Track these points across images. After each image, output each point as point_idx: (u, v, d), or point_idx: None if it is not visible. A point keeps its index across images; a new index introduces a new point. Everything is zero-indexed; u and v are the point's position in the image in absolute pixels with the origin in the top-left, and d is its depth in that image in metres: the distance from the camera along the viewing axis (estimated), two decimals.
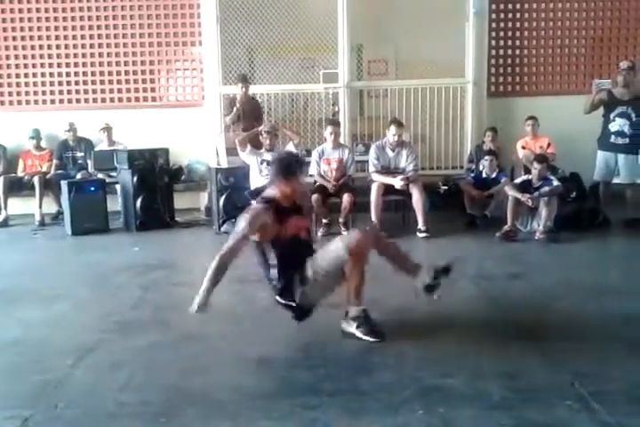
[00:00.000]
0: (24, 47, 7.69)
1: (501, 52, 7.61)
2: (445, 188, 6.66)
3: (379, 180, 5.68)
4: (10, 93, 7.76)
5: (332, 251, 3.00)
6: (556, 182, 5.45)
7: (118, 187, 6.60)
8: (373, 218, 5.56)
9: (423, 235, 5.49)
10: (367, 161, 6.04)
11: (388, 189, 5.63)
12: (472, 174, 6.42)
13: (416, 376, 2.58)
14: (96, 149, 7.16)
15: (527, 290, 3.95)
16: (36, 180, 6.82)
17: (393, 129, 5.76)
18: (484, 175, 6.09)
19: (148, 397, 2.47)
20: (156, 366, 2.81)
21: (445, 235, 5.58)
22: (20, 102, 7.78)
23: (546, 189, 5.38)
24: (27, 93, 7.77)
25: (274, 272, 3.06)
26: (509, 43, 7.61)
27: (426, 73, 7.34)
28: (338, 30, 7.12)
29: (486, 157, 6.11)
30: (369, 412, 2.29)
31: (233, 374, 2.72)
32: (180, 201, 6.90)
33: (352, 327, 3.02)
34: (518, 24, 7.59)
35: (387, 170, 5.77)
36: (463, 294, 3.82)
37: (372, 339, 2.96)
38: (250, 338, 3.12)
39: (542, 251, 5.11)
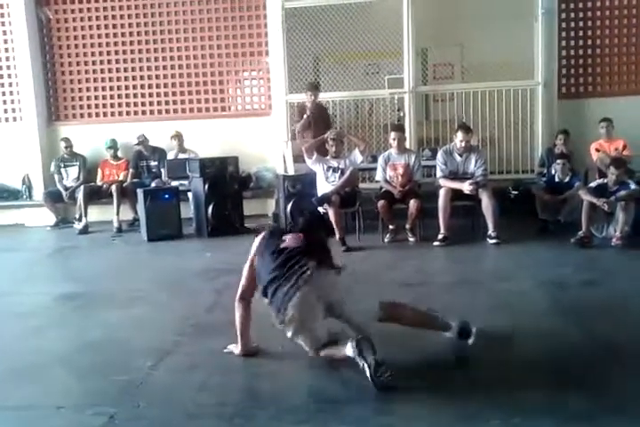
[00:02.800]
0: (101, 62, 8.11)
1: (572, 52, 7.41)
2: (516, 192, 6.52)
3: (447, 185, 5.62)
4: (88, 106, 8.21)
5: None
6: (633, 186, 5.22)
7: (190, 194, 6.82)
8: (441, 224, 5.50)
9: (494, 241, 5.38)
10: (434, 166, 6.00)
11: (456, 195, 5.55)
12: (544, 178, 6.26)
13: (491, 385, 2.54)
14: (168, 156, 7.44)
15: (604, 298, 3.79)
16: (113, 188, 7.16)
17: (460, 135, 5.69)
18: (556, 179, 5.92)
19: (224, 398, 2.54)
20: (230, 369, 2.88)
21: (517, 241, 5.44)
22: (97, 115, 8.20)
23: (623, 192, 5.17)
24: (103, 106, 8.19)
25: None
26: (580, 42, 7.39)
27: (493, 75, 7.22)
28: (403, 35, 7.13)
29: (558, 161, 5.94)
30: (442, 419, 2.28)
31: (305, 378, 2.76)
32: (249, 208, 7.05)
33: None
34: (589, 23, 7.37)
35: (455, 175, 5.70)
36: (536, 302, 3.73)
37: None
38: None
39: (619, 257, 4.92)
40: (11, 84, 8.21)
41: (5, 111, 8.27)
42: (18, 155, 8.04)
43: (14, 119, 8.25)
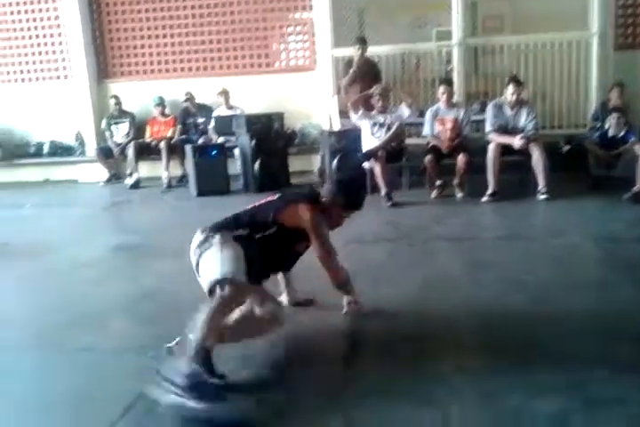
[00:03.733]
0: (147, 19, 8.12)
1: None
2: (568, 147, 6.35)
3: (496, 139, 5.51)
4: (136, 64, 8.29)
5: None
6: None
7: (237, 151, 6.89)
8: (490, 179, 5.42)
9: (544, 197, 5.28)
10: (483, 120, 5.87)
11: (505, 150, 5.44)
12: (597, 133, 6.04)
13: (545, 338, 2.56)
14: (214, 113, 7.49)
15: None
16: (162, 145, 7.29)
17: (511, 88, 5.53)
18: (610, 134, 5.72)
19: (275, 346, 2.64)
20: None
21: (568, 197, 5.34)
22: (145, 72, 8.27)
23: None
24: (151, 63, 8.25)
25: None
26: None
27: (545, 27, 6.92)
28: None
29: (613, 115, 5.72)
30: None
31: (348, 321, 2.81)
32: (294, 164, 7.08)
33: None
34: None
35: (505, 129, 5.57)
36: (587, 257, 3.70)
37: None
38: (364, 294, 3.18)
39: None
40: (60, 43, 8.34)
41: (57, 69, 8.43)
42: (70, 112, 8.24)
43: (65, 77, 8.41)
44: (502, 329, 2.65)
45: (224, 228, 2.61)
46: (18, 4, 8.29)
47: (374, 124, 5.89)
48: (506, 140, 5.46)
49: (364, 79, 6.62)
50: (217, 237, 2.53)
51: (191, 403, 1.94)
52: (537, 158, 5.35)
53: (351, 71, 6.70)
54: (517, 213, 5.07)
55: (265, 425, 2.01)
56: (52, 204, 6.83)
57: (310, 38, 7.89)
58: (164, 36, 8.13)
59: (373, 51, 7.23)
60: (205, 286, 2.44)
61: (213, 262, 2.46)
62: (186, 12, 8.02)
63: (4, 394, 2.31)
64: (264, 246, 2.58)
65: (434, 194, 5.71)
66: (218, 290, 2.34)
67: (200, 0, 7.95)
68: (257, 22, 7.96)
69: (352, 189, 2.86)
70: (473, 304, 2.96)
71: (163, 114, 7.78)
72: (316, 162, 7.32)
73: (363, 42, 6.77)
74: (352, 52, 6.87)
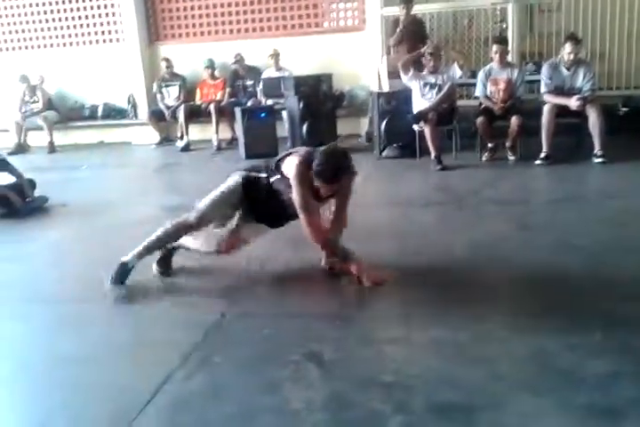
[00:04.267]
0: None
1: None
2: (626, 109, 6.11)
3: (551, 101, 5.32)
4: (186, 26, 8.30)
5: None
6: None
7: (285, 113, 6.88)
8: (544, 142, 5.28)
9: (600, 160, 5.11)
10: (538, 81, 5.67)
11: (561, 111, 5.25)
12: None
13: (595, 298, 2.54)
14: (263, 75, 7.47)
15: None
16: (211, 107, 7.35)
17: (568, 46, 5.30)
18: None
19: (324, 303, 2.70)
20: (332, 278, 2.98)
21: (625, 160, 5.14)
22: (194, 34, 8.30)
23: None
24: (201, 25, 8.25)
25: None
26: None
27: None
28: None
29: None
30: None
31: (402, 286, 2.82)
32: (342, 127, 7.04)
33: None
34: None
35: (560, 90, 5.36)
36: None
37: None
38: (414, 257, 3.19)
39: None
40: (112, 6, 8.40)
41: (109, 33, 8.54)
42: (122, 75, 8.37)
43: (117, 40, 8.52)
44: (554, 291, 2.63)
45: (251, 169, 3.03)
46: None
47: (425, 85, 5.77)
48: (562, 101, 5.27)
49: (411, 39, 6.48)
50: (230, 176, 3.08)
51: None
52: (594, 120, 5.16)
53: (397, 31, 6.56)
54: (572, 176, 4.94)
55: None
56: (107, 165, 7.04)
57: None
58: None
59: (424, 8, 7.04)
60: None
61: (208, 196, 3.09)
62: None
63: (77, 341, 2.45)
64: (272, 191, 2.90)
65: (485, 157, 5.60)
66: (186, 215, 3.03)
67: None
68: None
69: (326, 158, 2.68)
70: (525, 266, 2.94)
71: (212, 76, 7.81)
72: (364, 125, 7.26)
73: (407, 0, 6.58)
74: (398, 11, 6.70)
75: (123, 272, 2.98)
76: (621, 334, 2.19)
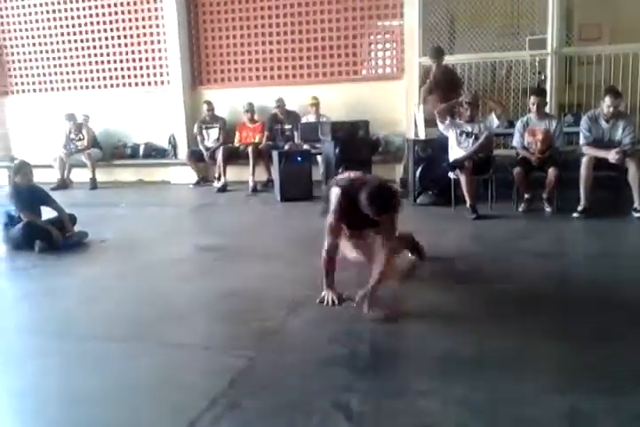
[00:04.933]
0: (241, 27, 8.44)
1: None
2: None
3: (590, 153, 5.28)
4: (228, 71, 8.61)
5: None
6: None
7: (320, 157, 6.98)
8: (582, 194, 5.22)
9: (639, 215, 5.04)
10: (576, 133, 5.66)
11: (600, 164, 5.20)
12: None
13: None
14: (302, 121, 7.62)
15: None
16: (249, 150, 7.50)
17: (608, 99, 5.28)
18: None
19: (355, 350, 2.65)
20: (361, 322, 2.97)
21: None
22: (236, 79, 8.58)
23: None
24: (242, 71, 8.54)
25: None
26: None
27: None
28: None
29: None
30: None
31: (435, 339, 2.78)
32: (377, 172, 7.05)
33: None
34: None
35: (600, 143, 5.33)
36: None
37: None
38: (448, 307, 3.16)
39: None
40: (160, 50, 8.77)
41: (155, 75, 8.88)
42: (165, 116, 8.66)
43: (162, 83, 8.84)
44: (596, 349, 2.56)
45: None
46: (123, 12, 8.81)
47: (461, 134, 5.81)
48: (601, 153, 5.23)
49: (443, 88, 6.53)
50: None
51: None
52: (633, 174, 5.09)
53: (428, 81, 6.65)
54: (610, 230, 4.85)
55: None
56: (145, 203, 7.19)
57: (399, 46, 7.90)
58: (256, 44, 8.39)
59: (464, 58, 7.16)
60: None
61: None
62: (278, 21, 8.24)
63: (99, 380, 2.46)
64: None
65: (521, 208, 5.56)
66: None
67: (291, 9, 8.15)
68: (347, 30, 8.06)
69: (372, 198, 2.90)
70: (563, 323, 2.87)
71: (251, 120, 8.00)
72: (399, 171, 7.30)
73: (438, 55, 6.64)
74: (429, 62, 6.82)
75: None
76: None
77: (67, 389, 2.43)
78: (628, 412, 2.02)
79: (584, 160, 5.26)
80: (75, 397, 2.33)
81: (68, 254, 4.63)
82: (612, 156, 5.13)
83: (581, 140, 5.43)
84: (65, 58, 9.23)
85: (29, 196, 4.90)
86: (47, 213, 5.05)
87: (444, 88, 6.57)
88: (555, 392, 2.17)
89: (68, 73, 9.28)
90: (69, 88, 9.32)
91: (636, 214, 5.06)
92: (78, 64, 9.18)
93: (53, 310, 3.40)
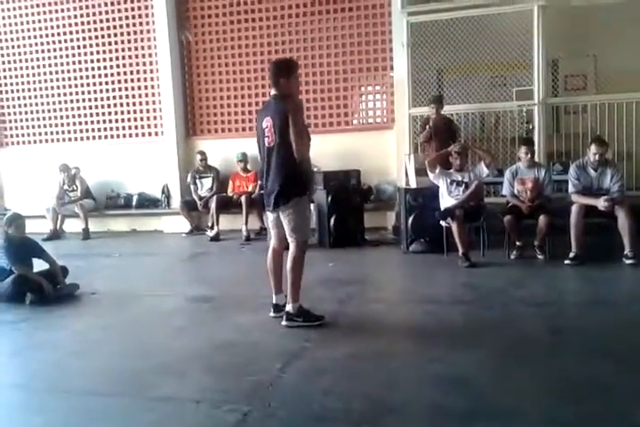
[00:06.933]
0: (234, 80, 8.66)
1: None
2: None
3: (579, 201, 5.35)
4: (222, 122, 8.77)
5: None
6: None
7: (313, 206, 7.01)
8: (573, 242, 5.26)
9: (631, 262, 5.06)
10: (565, 181, 5.74)
11: (589, 211, 5.27)
12: None
13: None
14: None
15: None
16: (243, 199, 7.56)
17: (594, 147, 5.40)
18: None
19: (350, 404, 2.60)
20: (357, 375, 2.95)
21: None
22: (230, 130, 8.73)
23: None
24: (235, 122, 8.70)
25: None
26: None
27: (630, 86, 6.79)
28: (533, 46, 6.92)
29: None
30: None
31: (429, 391, 2.76)
32: (369, 220, 7.13)
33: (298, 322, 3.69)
34: None
35: (588, 191, 5.41)
36: None
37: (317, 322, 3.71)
38: (442, 358, 3.13)
39: None
40: (154, 102, 8.94)
41: (149, 126, 9.02)
42: (159, 166, 8.76)
43: (156, 134, 8.97)
44: (585, 398, 2.53)
45: None
46: (118, 66, 9.00)
47: (452, 183, 5.89)
48: (590, 201, 5.30)
49: (440, 137, 6.70)
50: None
51: None
52: (623, 221, 5.15)
53: (427, 128, 6.81)
54: (602, 277, 4.85)
55: None
56: (138, 253, 7.17)
57: (389, 98, 8.10)
58: (249, 96, 8.58)
59: (452, 109, 7.33)
60: None
61: None
62: (266, 74, 8.44)
63: None
64: None
65: (513, 255, 5.59)
66: None
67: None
68: (338, 83, 8.27)
69: None
70: (554, 371, 2.85)
71: (245, 169, 8.10)
72: (391, 218, 7.35)
73: (439, 101, 6.90)
74: (427, 110, 7.00)
75: (307, 313, 3.73)
76: None
77: None
78: None
79: (574, 208, 5.32)
80: None
81: (59, 307, 4.58)
82: (600, 204, 5.20)
83: (570, 189, 5.51)
84: (59, 110, 9.38)
85: (22, 248, 4.88)
86: (39, 265, 5.01)
87: (441, 137, 6.71)
88: None
89: (61, 125, 9.41)
90: (63, 139, 9.44)
91: (628, 261, 5.08)
92: (72, 116, 9.33)
93: (42, 365, 3.34)
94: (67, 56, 9.21)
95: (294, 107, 3.57)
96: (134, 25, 8.88)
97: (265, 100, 8.36)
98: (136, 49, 8.92)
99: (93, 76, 9.13)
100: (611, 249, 5.40)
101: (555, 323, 3.67)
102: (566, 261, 5.19)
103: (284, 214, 3.71)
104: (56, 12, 9.17)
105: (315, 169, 7.39)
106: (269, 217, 3.96)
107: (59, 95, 9.35)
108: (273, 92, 3.76)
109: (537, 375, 2.83)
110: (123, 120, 9.12)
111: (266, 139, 3.70)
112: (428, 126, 6.85)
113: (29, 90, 9.49)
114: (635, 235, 5.11)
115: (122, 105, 9.08)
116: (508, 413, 2.44)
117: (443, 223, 5.76)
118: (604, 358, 2.98)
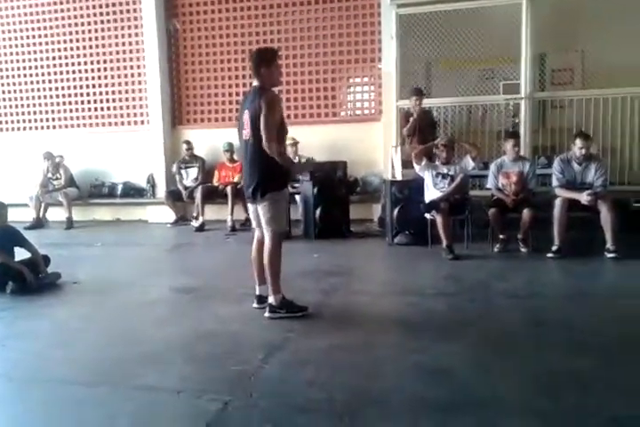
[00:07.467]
0: (221, 69, 8.58)
1: None
2: (639, 205, 6.14)
3: (563, 195, 5.39)
4: (208, 111, 8.70)
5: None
6: None
7: (299, 197, 7.02)
8: (556, 235, 5.30)
9: (612, 255, 5.10)
10: (549, 175, 5.78)
11: (573, 205, 5.31)
12: None
13: None
14: None
15: None
16: (228, 189, 7.52)
17: (579, 142, 5.43)
18: None
19: (332, 395, 2.60)
20: (339, 366, 2.95)
21: (638, 257, 5.13)
22: (216, 119, 8.66)
23: None
24: (222, 111, 8.63)
25: None
26: None
27: (616, 81, 6.84)
28: (521, 40, 6.95)
29: None
30: None
31: (411, 382, 2.77)
32: (355, 212, 7.14)
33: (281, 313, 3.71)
34: None
35: (572, 185, 5.45)
36: None
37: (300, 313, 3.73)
38: (424, 349, 3.14)
39: None
40: (140, 91, 8.85)
41: (135, 115, 8.93)
42: (144, 156, 8.68)
43: (142, 123, 8.89)
44: (565, 390, 2.55)
45: None
46: (104, 53, 8.90)
47: (437, 175, 5.90)
48: (573, 195, 5.34)
49: (423, 130, 6.72)
50: None
51: None
52: (605, 215, 5.19)
53: (411, 120, 6.81)
54: (584, 271, 4.91)
55: None
56: (121, 243, 7.13)
57: (377, 90, 8.09)
58: (237, 86, 8.53)
59: (440, 102, 7.34)
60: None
61: None
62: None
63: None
64: None
65: (497, 248, 5.62)
66: None
67: None
68: (326, 73, 8.24)
69: None
70: (535, 366, 2.87)
71: (231, 159, 8.05)
72: (376, 210, 7.36)
73: (419, 93, 6.91)
74: (409, 103, 7.00)
75: (290, 304, 3.76)
76: None
77: None
78: None
79: (557, 202, 5.36)
80: None
81: (40, 296, 4.54)
82: (584, 198, 5.24)
83: (554, 182, 5.55)
84: (43, 97, 9.26)
85: (3, 237, 4.82)
86: (20, 254, 4.96)
87: (423, 130, 6.73)
88: None
89: (45, 112, 9.30)
90: (47, 127, 9.33)
91: (609, 255, 5.13)
92: (57, 103, 9.21)
93: (23, 354, 3.30)
94: (52, 43, 9.08)
95: (267, 101, 3.53)
96: (122, 12, 8.77)
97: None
98: (123, 37, 8.81)
99: (79, 64, 9.01)
100: (593, 243, 5.45)
101: (536, 315, 3.71)
102: (549, 255, 5.24)
103: (261, 206, 3.71)
104: None
105: (302, 160, 7.43)
106: (250, 208, 3.94)
107: (43, 82, 9.22)
108: (254, 82, 3.72)
109: (518, 367, 2.87)
110: (108, 108, 9.03)
111: (243, 131, 3.68)
112: (412, 119, 6.85)
113: (13, 76, 9.35)
114: (617, 229, 5.16)
115: (107, 93, 8.99)
116: (489, 404, 2.46)
117: (427, 216, 5.78)
118: (584, 351, 3.01)
